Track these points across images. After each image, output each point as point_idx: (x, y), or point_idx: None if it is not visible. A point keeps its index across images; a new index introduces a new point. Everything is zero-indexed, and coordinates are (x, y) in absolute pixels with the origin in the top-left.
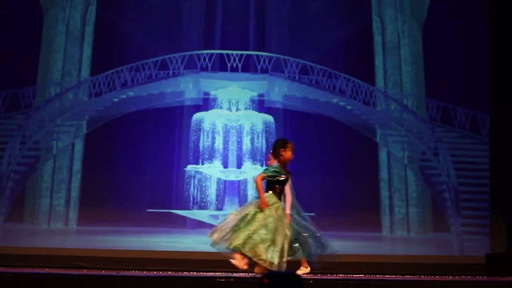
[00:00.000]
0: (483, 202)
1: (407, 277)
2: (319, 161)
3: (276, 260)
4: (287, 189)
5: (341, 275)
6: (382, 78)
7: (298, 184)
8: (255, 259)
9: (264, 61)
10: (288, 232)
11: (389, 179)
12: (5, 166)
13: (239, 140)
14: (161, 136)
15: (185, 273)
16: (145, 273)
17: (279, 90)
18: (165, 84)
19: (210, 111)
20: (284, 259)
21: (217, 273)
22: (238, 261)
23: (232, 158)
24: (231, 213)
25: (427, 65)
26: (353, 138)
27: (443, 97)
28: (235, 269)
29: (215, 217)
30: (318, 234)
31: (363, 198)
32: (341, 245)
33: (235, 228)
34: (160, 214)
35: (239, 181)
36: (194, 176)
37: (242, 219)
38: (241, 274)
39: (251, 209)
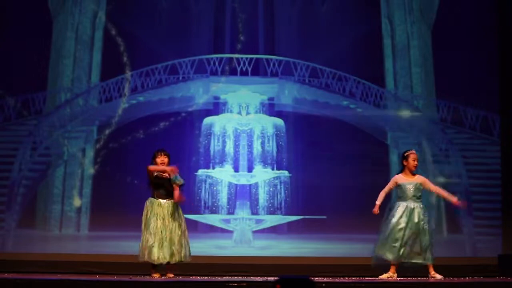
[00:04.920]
0: (495, 203)
1: (420, 279)
2: (329, 163)
3: None
4: None
5: (353, 278)
6: (392, 80)
7: (307, 187)
8: None
9: (273, 65)
10: None
11: None
12: (16, 173)
13: (249, 144)
14: (171, 140)
15: (197, 278)
16: (157, 277)
17: (289, 93)
18: (175, 89)
19: (220, 115)
20: None
21: (229, 278)
22: None
23: (243, 162)
24: None
25: (437, 66)
26: (364, 140)
27: (453, 98)
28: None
29: (227, 221)
30: None
31: (374, 200)
32: (353, 247)
33: None
34: None
35: (250, 185)
36: (205, 181)
37: None
38: (254, 279)
39: None
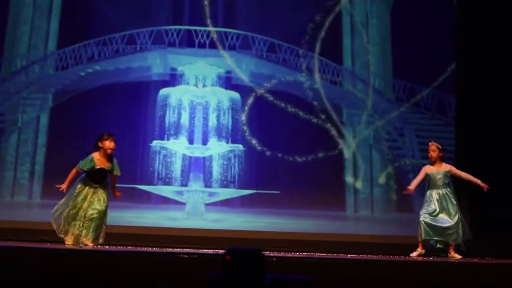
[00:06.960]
0: None
1: (370, 256)
2: (284, 138)
3: None
4: None
5: (304, 253)
6: (349, 57)
7: (261, 162)
8: None
9: (232, 38)
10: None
11: (354, 159)
12: None
13: (205, 116)
14: (127, 111)
15: (148, 249)
16: (107, 247)
17: (246, 67)
18: (132, 59)
19: (176, 87)
20: None
21: (180, 249)
22: None
23: (198, 134)
24: None
25: (394, 46)
26: (319, 116)
27: (410, 78)
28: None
29: (180, 193)
30: None
31: (328, 177)
32: (305, 223)
33: None
34: (125, 189)
35: (204, 158)
36: (159, 152)
37: None
38: (204, 251)
39: None
